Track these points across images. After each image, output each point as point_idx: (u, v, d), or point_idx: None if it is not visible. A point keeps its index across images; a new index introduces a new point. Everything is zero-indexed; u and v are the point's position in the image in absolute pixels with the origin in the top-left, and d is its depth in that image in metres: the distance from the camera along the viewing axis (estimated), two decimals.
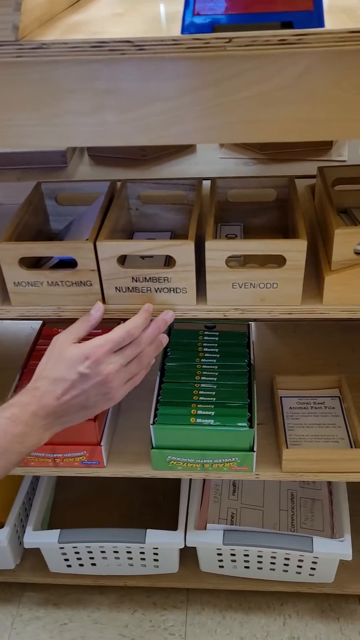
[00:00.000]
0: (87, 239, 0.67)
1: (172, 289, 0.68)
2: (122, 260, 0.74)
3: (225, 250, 0.65)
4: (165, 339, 0.71)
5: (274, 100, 0.55)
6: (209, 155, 1.08)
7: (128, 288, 0.69)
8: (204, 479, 1.10)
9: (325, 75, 0.54)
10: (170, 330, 1.00)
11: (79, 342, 0.66)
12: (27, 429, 0.61)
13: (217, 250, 0.65)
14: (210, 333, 0.99)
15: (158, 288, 0.68)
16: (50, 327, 1.01)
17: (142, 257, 0.76)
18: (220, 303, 0.69)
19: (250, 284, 0.67)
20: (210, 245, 0.64)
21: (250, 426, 0.82)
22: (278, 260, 0.65)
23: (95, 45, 0.53)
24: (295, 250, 0.64)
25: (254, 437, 0.84)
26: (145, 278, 0.68)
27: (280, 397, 0.96)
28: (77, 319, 0.71)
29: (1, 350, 1.13)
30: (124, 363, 0.65)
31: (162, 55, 0.53)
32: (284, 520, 1.05)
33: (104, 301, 0.70)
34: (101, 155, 1.08)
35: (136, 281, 0.68)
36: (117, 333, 0.65)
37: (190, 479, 1.07)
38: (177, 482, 1.07)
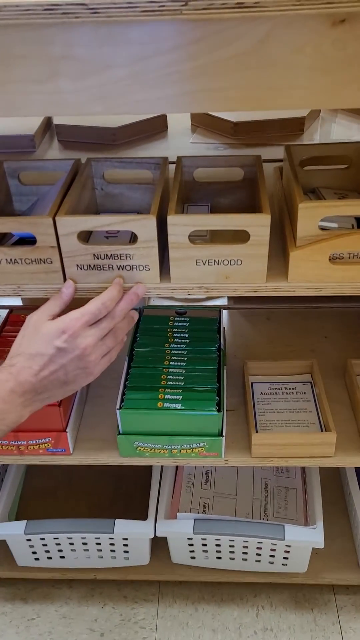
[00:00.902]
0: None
1: (134, 267, 0.66)
2: (86, 239, 0.72)
3: (187, 225, 0.63)
4: (136, 315, 0.70)
5: (234, 67, 0.54)
6: (180, 140, 1.07)
7: (90, 266, 0.67)
8: (176, 468, 1.09)
9: (286, 41, 0.53)
10: (140, 316, 0.98)
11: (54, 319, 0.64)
12: (6, 406, 0.61)
13: (179, 225, 0.63)
14: (180, 319, 0.98)
15: (120, 265, 0.66)
16: (18, 314, 0.99)
17: (107, 237, 0.75)
18: (184, 281, 0.68)
19: (214, 260, 0.65)
20: (172, 220, 0.63)
21: (219, 410, 0.81)
22: (245, 240, 0.64)
23: (48, 8, 0.51)
24: (258, 225, 0.62)
25: (223, 421, 0.82)
26: (107, 255, 0.66)
27: (252, 383, 0.95)
28: (38, 298, 0.69)
29: None
30: (100, 336, 0.65)
31: (117, 19, 0.52)
32: (257, 509, 1.04)
33: (64, 280, 0.68)
34: (71, 140, 1.06)
35: (98, 258, 0.66)
36: (93, 305, 0.64)
37: (162, 468, 1.05)
38: (148, 471, 1.05)
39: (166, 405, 0.82)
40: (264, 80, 0.54)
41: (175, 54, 0.54)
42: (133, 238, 0.70)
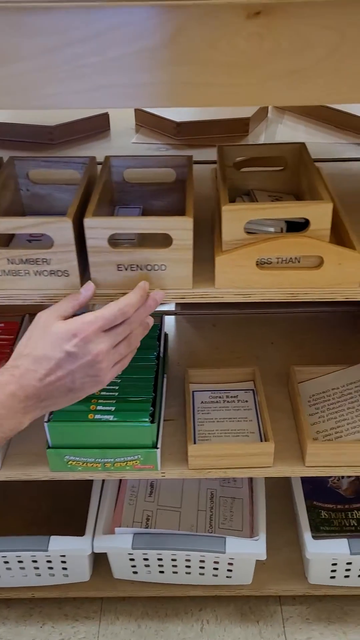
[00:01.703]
0: None
1: (52, 272, 0.63)
2: (6, 243, 0.68)
3: (106, 228, 0.60)
4: (151, 321, 0.66)
5: (145, 62, 0.51)
6: (122, 140, 1.04)
7: (4, 271, 0.63)
8: (120, 480, 1.05)
9: (199, 35, 0.50)
10: None
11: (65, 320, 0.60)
12: (4, 411, 0.56)
13: (98, 228, 0.60)
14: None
15: (37, 271, 0.63)
16: None
17: (30, 241, 0.71)
18: (107, 287, 0.64)
19: (137, 265, 0.62)
20: (89, 223, 0.59)
21: (152, 421, 0.78)
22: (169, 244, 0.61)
23: None
24: (180, 228, 0.59)
25: (158, 433, 0.79)
26: (22, 260, 0.62)
27: (193, 392, 0.92)
28: None
29: None
30: (114, 343, 0.60)
31: (21, 5, 0.48)
32: (202, 521, 1.01)
33: None
34: (6, 139, 1.01)
35: (12, 263, 0.62)
36: (110, 310, 0.59)
37: (103, 481, 1.01)
38: (89, 484, 1.01)
39: (98, 416, 0.78)
40: (178, 76, 0.52)
41: (85, 46, 0.51)
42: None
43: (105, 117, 1.05)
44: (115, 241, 0.66)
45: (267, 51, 0.50)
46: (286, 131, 1.05)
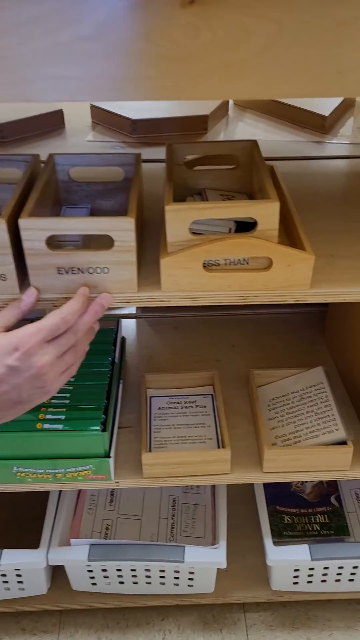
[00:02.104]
0: None
1: None
2: None
3: (42, 229, 0.57)
4: (97, 326, 0.63)
5: (75, 53, 0.48)
6: (77, 138, 1.00)
7: None
8: (79, 489, 1.02)
9: (131, 25, 0.47)
10: None
11: (8, 331, 0.57)
12: None
13: (33, 229, 0.57)
14: None
15: None
16: None
17: None
18: (48, 292, 0.61)
19: (78, 269, 0.59)
20: (24, 223, 0.56)
21: (104, 430, 0.75)
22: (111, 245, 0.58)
23: None
24: (121, 229, 0.57)
25: (111, 441, 0.76)
26: None
27: (150, 397, 0.89)
28: None
29: None
30: (59, 353, 0.58)
31: None
32: (163, 529, 0.99)
33: None
34: None
35: None
36: (51, 320, 0.57)
37: (60, 492, 0.98)
38: (45, 494, 0.97)
39: (46, 426, 0.75)
40: (109, 69, 0.49)
41: (6, 37, 0.48)
42: None
43: (59, 115, 1.02)
44: (59, 243, 0.63)
45: (204, 44, 0.48)
46: (246, 129, 1.03)
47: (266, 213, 0.57)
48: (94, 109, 1.05)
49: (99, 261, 0.59)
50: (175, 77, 0.49)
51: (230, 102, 1.09)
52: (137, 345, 1.04)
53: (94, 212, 0.73)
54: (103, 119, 1.03)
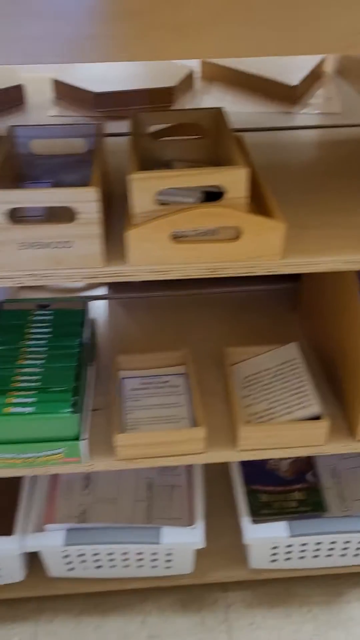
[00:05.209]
0: None
1: None
2: None
3: (3, 202, 0.54)
4: None
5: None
6: (38, 114, 0.97)
7: None
8: (55, 474, 1.00)
9: None
10: None
11: None
12: None
13: None
14: (42, 312, 0.88)
15: None
16: None
17: None
18: (10, 269, 0.58)
19: (41, 243, 0.57)
20: None
21: (75, 412, 0.73)
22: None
23: None
24: (84, 200, 0.54)
25: (82, 423, 0.74)
26: None
27: (122, 379, 0.87)
28: None
29: None
30: None
31: None
32: (139, 511, 0.97)
33: None
34: None
35: None
36: None
37: (35, 475, 0.96)
38: (18, 480, 0.95)
39: (15, 410, 0.73)
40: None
41: None
42: None
43: (19, 90, 0.98)
44: (20, 218, 0.60)
45: None
46: (213, 102, 1.00)
47: (234, 180, 0.55)
48: (56, 84, 1.01)
49: (62, 234, 0.56)
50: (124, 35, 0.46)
51: (196, 75, 1.06)
52: (108, 327, 1.02)
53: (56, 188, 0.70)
54: (65, 94, 1.00)
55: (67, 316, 0.88)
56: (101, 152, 0.62)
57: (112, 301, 1.09)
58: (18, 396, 0.74)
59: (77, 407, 0.74)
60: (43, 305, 0.90)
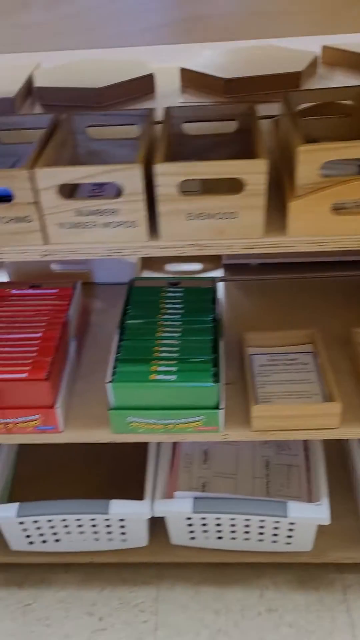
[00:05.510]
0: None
1: (120, 223, 0.61)
2: (68, 195, 0.66)
3: (176, 174, 0.58)
4: None
5: None
6: (169, 101, 1.00)
7: (72, 224, 0.61)
8: (174, 447, 1.04)
9: None
10: (130, 288, 0.93)
11: None
12: None
13: (168, 174, 0.58)
14: (174, 289, 0.93)
15: (105, 223, 0.61)
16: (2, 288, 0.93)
17: (91, 196, 0.69)
18: (175, 238, 0.62)
19: (207, 214, 0.60)
20: (160, 168, 0.57)
21: (216, 381, 0.76)
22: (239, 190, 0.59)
23: None
24: (253, 171, 0.57)
25: (221, 393, 0.77)
26: (91, 211, 0.60)
27: (250, 355, 0.90)
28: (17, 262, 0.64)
29: None
30: None
31: None
32: (258, 487, 1.00)
33: (46, 240, 0.63)
34: (54, 104, 1.00)
35: (81, 215, 0.61)
36: None
37: (158, 447, 1.00)
38: (144, 451, 1.00)
39: (160, 377, 0.77)
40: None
41: None
42: (118, 193, 0.65)
43: (150, 79, 1.03)
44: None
45: None
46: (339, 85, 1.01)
47: None
48: (183, 72, 1.05)
49: (229, 206, 0.59)
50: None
51: (319, 60, 1.07)
52: (229, 307, 1.05)
53: None
54: (193, 81, 1.03)
55: (198, 293, 0.91)
56: (259, 128, 0.65)
57: (229, 283, 1.12)
58: (161, 365, 0.78)
59: (217, 378, 0.77)
60: (173, 283, 0.94)
